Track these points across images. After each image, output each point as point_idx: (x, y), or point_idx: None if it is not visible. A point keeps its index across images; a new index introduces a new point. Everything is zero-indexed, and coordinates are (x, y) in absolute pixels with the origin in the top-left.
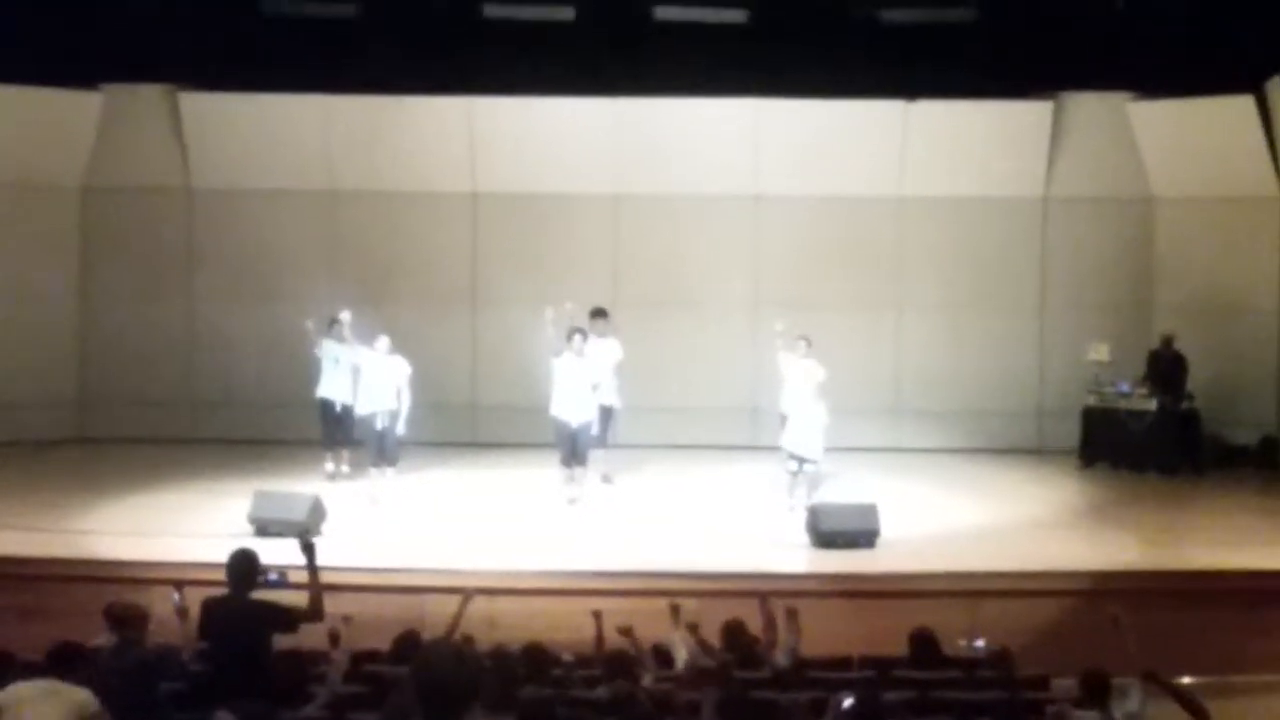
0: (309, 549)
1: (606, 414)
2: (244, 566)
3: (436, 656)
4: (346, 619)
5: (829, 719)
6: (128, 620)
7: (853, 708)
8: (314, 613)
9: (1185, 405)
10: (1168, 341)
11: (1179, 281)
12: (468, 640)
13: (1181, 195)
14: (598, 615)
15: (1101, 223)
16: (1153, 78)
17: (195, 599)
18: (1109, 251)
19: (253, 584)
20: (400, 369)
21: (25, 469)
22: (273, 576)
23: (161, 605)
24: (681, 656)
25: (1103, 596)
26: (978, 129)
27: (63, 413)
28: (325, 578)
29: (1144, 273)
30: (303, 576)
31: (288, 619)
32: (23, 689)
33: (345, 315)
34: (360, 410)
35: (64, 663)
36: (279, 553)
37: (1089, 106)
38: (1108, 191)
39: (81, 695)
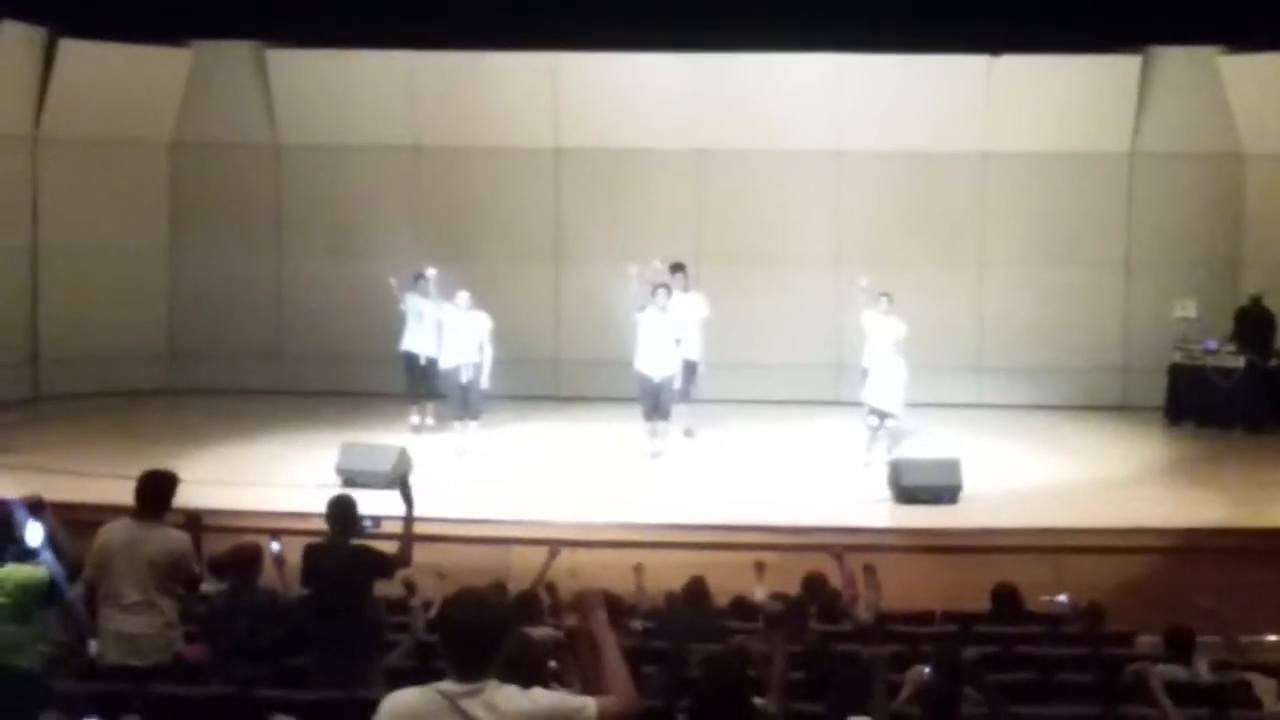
0: (407, 493)
1: (690, 369)
2: (347, 511)
3: (459, 604)
4: (441, 575)
5: (907, 693)
6: (247, 561)
7: (930, 676)
8: (404, 559)
9: (1273, 363)
10: (1257, 299)
11: (1268, 238)
12: (549, 588)
13: (1272, 151)
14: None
15: (1189, 178)
16: (1244, 31)
17: (288, 548)
18: (1197, 207)
19: (353, 529)
20: (482, 323)
21: (116, 419)
22: (368, 523)
23: None
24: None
25: (1188, 554)
26: (1063, 84)
27: (153, 364)
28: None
29: (1232, 229)
30: (395, 524)
31: (387, 564)
32: (115, 535)
33: (431, 271)
34: (444, 364)
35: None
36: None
37: (1178, 60)
38: (1196, 147)
39: (171, 539)
